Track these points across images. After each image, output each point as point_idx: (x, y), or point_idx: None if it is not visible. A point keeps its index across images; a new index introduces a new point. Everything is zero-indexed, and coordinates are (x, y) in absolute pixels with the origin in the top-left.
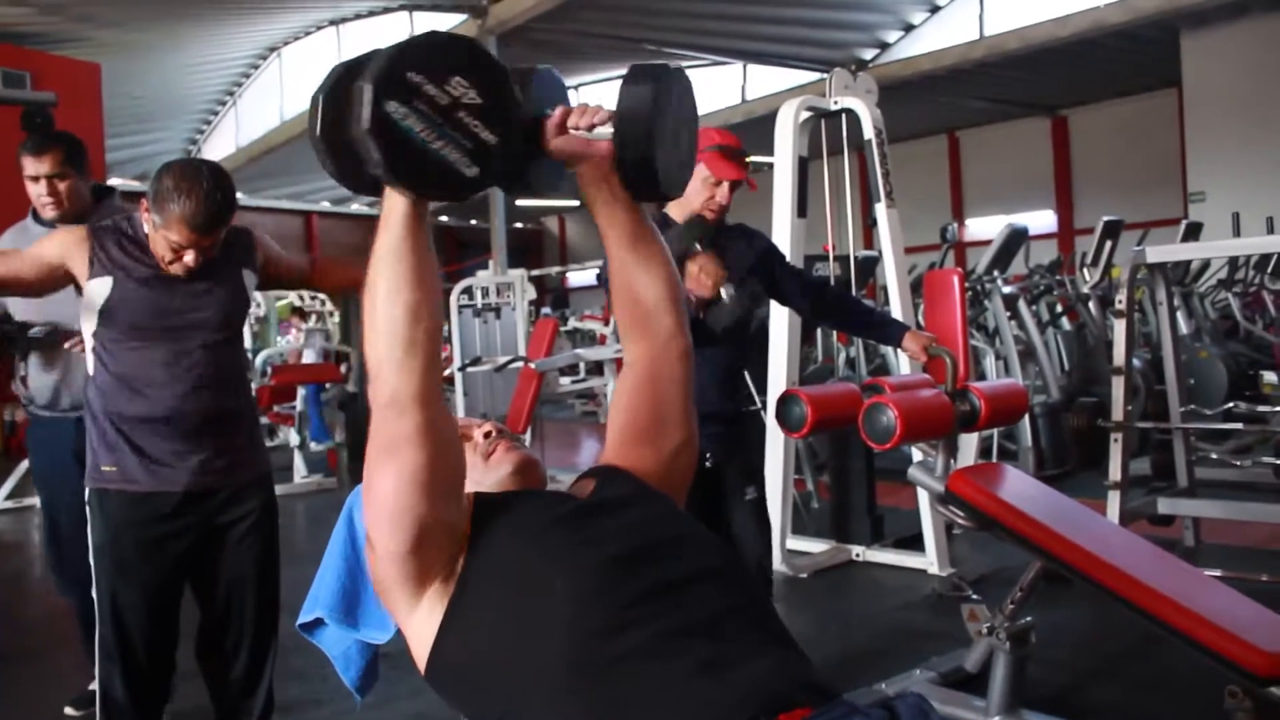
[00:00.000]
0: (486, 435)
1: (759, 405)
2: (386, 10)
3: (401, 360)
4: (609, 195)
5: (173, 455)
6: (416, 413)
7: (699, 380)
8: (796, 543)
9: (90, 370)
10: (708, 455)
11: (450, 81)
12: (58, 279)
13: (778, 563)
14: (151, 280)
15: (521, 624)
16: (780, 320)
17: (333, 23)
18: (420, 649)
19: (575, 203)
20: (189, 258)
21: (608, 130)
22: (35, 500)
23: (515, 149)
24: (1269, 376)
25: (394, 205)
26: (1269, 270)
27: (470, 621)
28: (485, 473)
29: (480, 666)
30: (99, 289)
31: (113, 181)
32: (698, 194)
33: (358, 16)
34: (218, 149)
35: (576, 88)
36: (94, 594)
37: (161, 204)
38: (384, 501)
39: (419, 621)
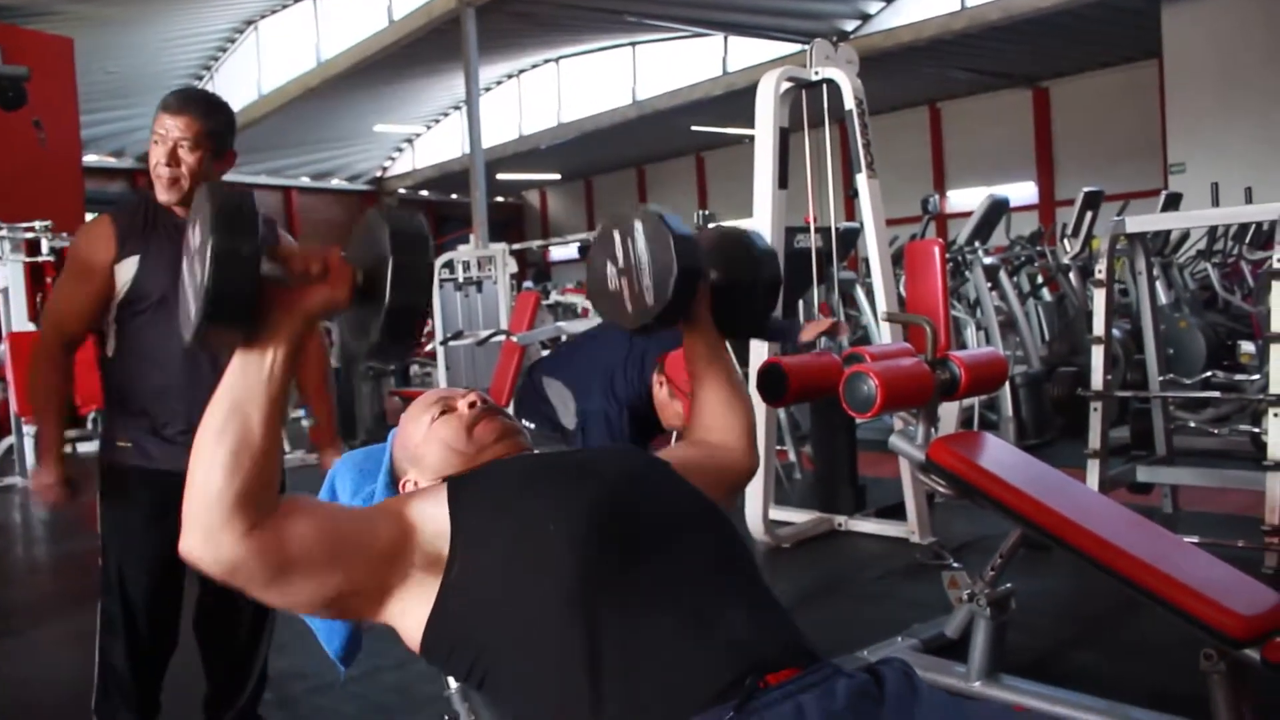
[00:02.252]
0: (471, 405)
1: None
2: None
3: (193, 514)
4: (706, 335)
5: (189, 432)
6: (215, 565)
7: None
8: (779, 513)
9: (110, 350)
10: None
11: (196, 225)
12: (109, 282)
13: (761, 533)
14: (175, 252)
15: (518, 576)
16: None
17: None
18: (410, 630)
19: (557, 176)
20: (178, 153)
21: (711, 274)
22: (14, 480)
23: (224, 288)
24: (1246, 346)
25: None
26: (1247, 241)
27: (467, 591)
28: (469, 444)
29: (479, 626)
30: (128, 269)
31: (88, 158)
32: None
33: None
34: None
35: (558, 60)
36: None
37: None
38: (298, 609)
39: (397, 614)
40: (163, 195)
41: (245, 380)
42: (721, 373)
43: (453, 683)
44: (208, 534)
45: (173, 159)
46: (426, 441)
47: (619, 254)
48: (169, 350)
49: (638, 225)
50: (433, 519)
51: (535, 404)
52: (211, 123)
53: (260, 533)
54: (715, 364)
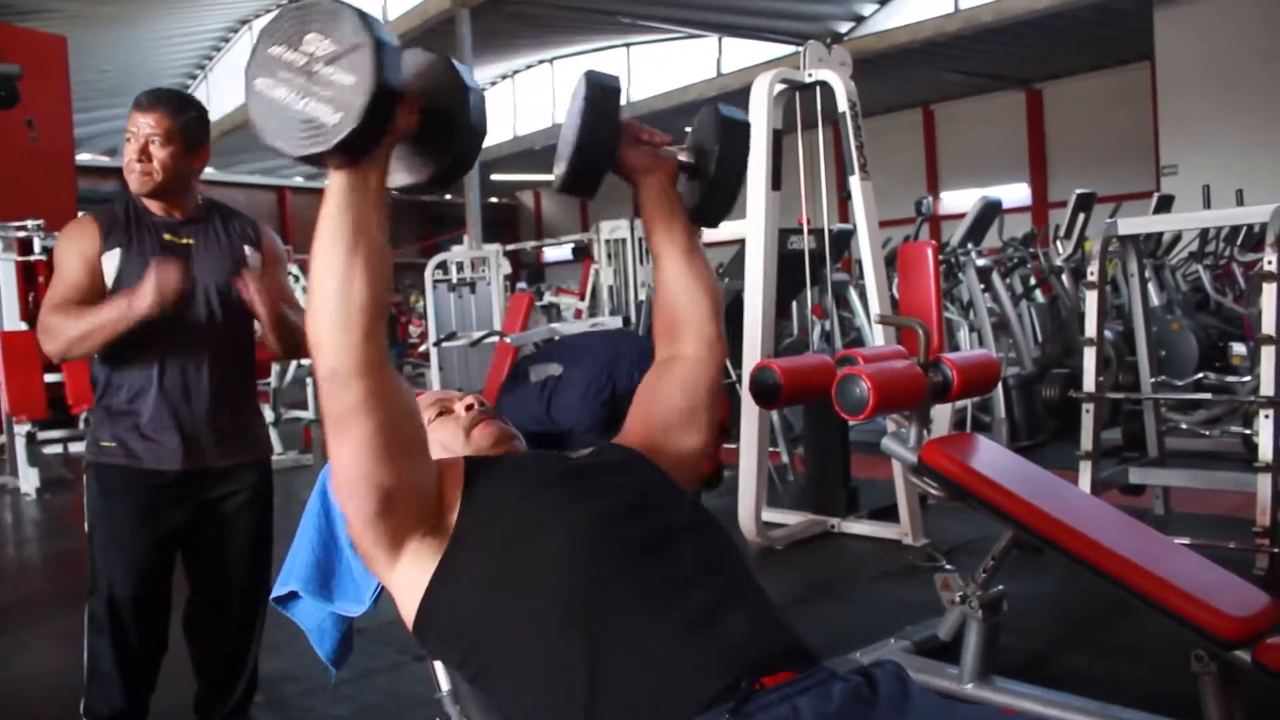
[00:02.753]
0: (468, 408)
1: (735, 378)
2: None
3: (337, 334)
4: (668, 210)
5: (174, 430)
6: (357, 385)
7: None
8: (772, 515)
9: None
10: None
11: (304, 41)
12: (99, 273)
13: (753, 535)
14: (157, 249)
15: (517, 573)
16: (755, 294)
17: None
18: (408, 602)
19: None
20: (149, 149)
21: (673, 151)
22: (5, 479)
23: (383, 87)
24: (1238, 348)
25: (331, 181)
26: (1238, 243)
27: (465, 573)
28: (466, 447)
29: (473, 615)
30: (110, 262)
31: (81, 157)
32: None
33: None
34: None
35: (552, 61)
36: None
37: None
38: (344, 470)
39: (403, 577)
40: (134, 185)
41: (361, 196)
42: (678, 250)
43: (444, 685)
44: (357, 347)
45: (144, 155)
46: None
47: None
48: (151, 348)
49: (578, 85)
50: (451, 485)
51: (516, 400)
52: (182, 119)
53: (388, 369)
54: (671, 240)
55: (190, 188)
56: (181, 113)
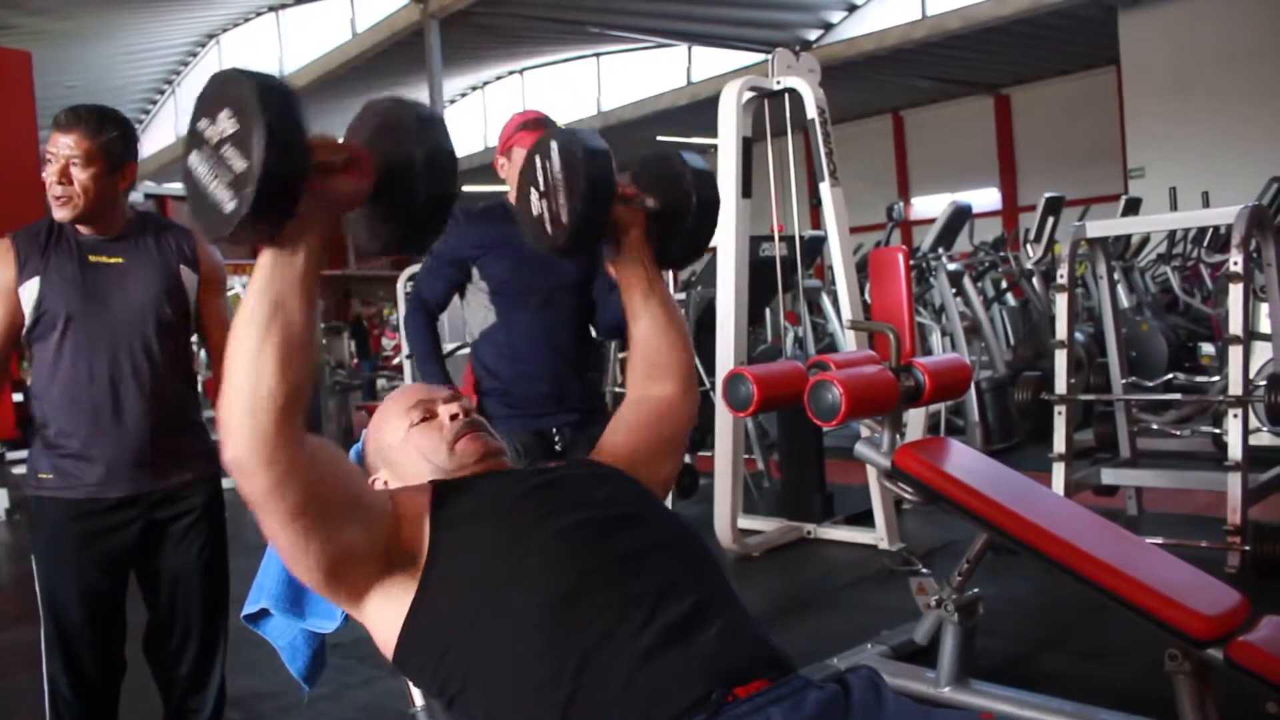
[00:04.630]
0: (453, 418)
1: (709, 385)
2: None
3: (243, 419)
4: (649, 262)
5: (112, 456)
6: (264, 475)
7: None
8: (748, 522)
9: (29, 379)
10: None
11: (218, 116)
12: (17, 305)
13: (729, 542)
14: (79, 270)
15: (493, 595)
16: (727, 301)
17: (272, 8)
18: (385, 635)
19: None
20: (69, 171)
21: (641, 199)
22: None
23: (272, 173)
24: (1207, 348)
25: (259, 258)
26: (1205, 244)
27: (441, 604)
28: (449, 459)
29: (452, 642)
30: (30, 291)
31: (47, 174)
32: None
33: (297, 2)
34: (157, 139)
35: (522, 72)
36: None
37: None
38: (279, 548)
39: (375, 617)
40: (57, 214)
41: (281, 276)
42: (659, 305)
43: (418, 700)
44: (260, 438)
45: (64, 177)
46: (403, 448)
47: (539, 178)
48: (82, 374)
49: (553, 145)
50: (416, 519)
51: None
52: (103, 137)
53: (303, 449)
54: (653, 296)
55: (119, 205)
56: (102, 131)
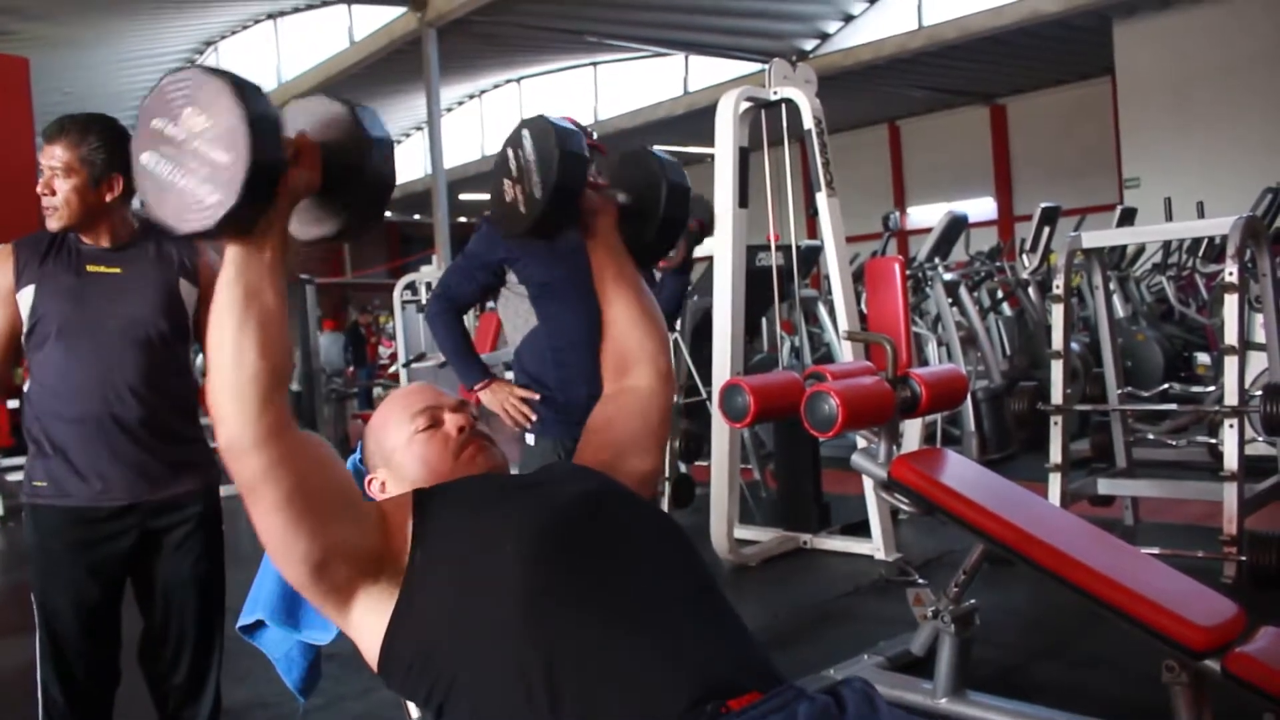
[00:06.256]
0: (460, 430)
1: (705, 395)
2: (325, 3)
3: (231, 405)
4: (620, 251)
5: (108, 466)
6: (257, 455)
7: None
8: (744, 532)
9: (25, 385)
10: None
11: (182, 116)
12: (16, 311)
13: (726, 552)
14: (76, 279)
15: (476, 600)
16: (724, 311)
17: (270, 16)
18: (370, 644)
19: None
20: (53, 183)
21: (613, 193)
22: None
23: (259, 164)
24: (1202, 358)
25: (226, 252)
26: (1200, 254)
27: (424, 610)
28: (454, 469)
29: (435, 650)
30: (26, 298)
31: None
32: None
33: (295, 10)
34: None
35: (519, 80)
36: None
37: None
38: (267, 540)
39: (359, 623)
40: (48, 224)
41: (251, 267)
42: (630, 290)
43: (414, 711)
44: (250, 418)
45: (48, 189)
46: (406, 452)
47: (512, 166)
48: (79, 382)
49: (524, 132)
50: (398, 527)
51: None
52: (84, 149)
53: (292, 431)
54: (623, 281)
55: (113, 215)
56: (83, 143)
